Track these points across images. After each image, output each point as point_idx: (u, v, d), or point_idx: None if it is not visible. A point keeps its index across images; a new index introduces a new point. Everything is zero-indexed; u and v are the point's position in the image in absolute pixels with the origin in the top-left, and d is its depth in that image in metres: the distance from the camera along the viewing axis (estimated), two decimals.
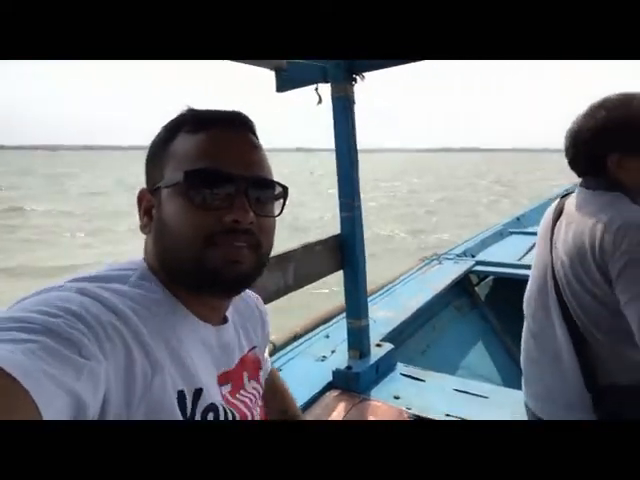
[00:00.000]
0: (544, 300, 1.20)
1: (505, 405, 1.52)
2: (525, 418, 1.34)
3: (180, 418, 0.53)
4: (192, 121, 0.61)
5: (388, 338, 1.98)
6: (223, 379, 0.64)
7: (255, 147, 0.62)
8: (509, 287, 2.88)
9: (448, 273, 2.79)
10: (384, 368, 1.80)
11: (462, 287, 2.82)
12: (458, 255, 3.13)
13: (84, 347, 0.43)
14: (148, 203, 0.62)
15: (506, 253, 3.26)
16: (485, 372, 2.43)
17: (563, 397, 1.15)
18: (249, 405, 0.69)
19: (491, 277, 3.07)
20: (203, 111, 0.63)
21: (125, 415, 0.47)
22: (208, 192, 0.56)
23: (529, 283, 1.29)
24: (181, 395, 0.54)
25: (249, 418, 0.68)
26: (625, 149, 1.04)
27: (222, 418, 0.59)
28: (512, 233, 3.86)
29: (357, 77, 1.52)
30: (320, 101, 1.59)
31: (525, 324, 1.31)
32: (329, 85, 1.57)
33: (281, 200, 0.64)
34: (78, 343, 0.43)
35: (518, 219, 4.24)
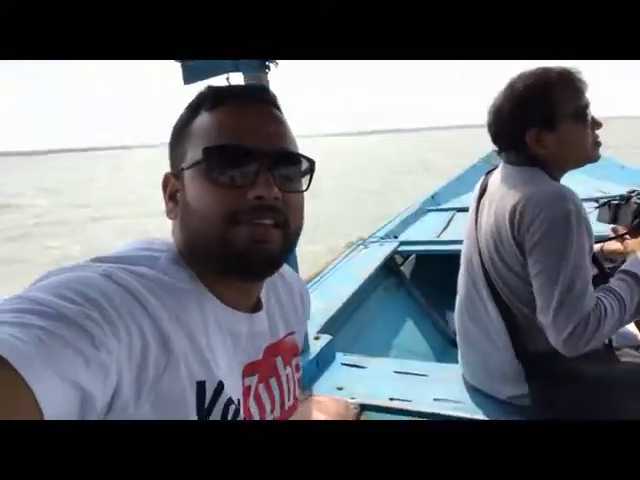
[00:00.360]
0: (473, 276, 1.24)
1: (445, 381, 1.56)
2: (464, 391, 1.39)
3: (193, 410, 0.51)
4: (211, 98, 0.59)
5: (325, 329, 1.97)
6: (249, 370, 0.62)
7: (278, 120, 0.60)
8: (431, 264, 3.00)
9: (374, 256, 2.84)
10: (324, 360, 1.78)
11: (388, 269, 2.89)
12: (382, 237, 3.20)
13: (96, 336, 0.42)
14: (173, 187, 0.60)
15: (426, 231, 3.39)
16: (418, 349, 2.51)
17: (497, 368, 1.20)
18: (280, 393, 0.68)
19: (414, 255, 3.16)
20: (222, 87, 0.61)
21: (133, 405, 0.46)
22: (229, 169, 0.54)
23: (461, 259, 1.33)
24: (201, 387, 0.52)
25: (274, 409, 0.67)
26: (542, 124, 1.08)
27: (239, 413, 0.57)
28: (429, 211, 4.02)
29: (270, 65, 1.45)
30: None
31: (458, 298, 1.35)
32: (241, 74, 1.49)
33: (308, 175, 0.62)
34: (91, 332, 0.42)
35: (433, 197, 4.42)
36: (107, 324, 0.44)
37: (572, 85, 1.06)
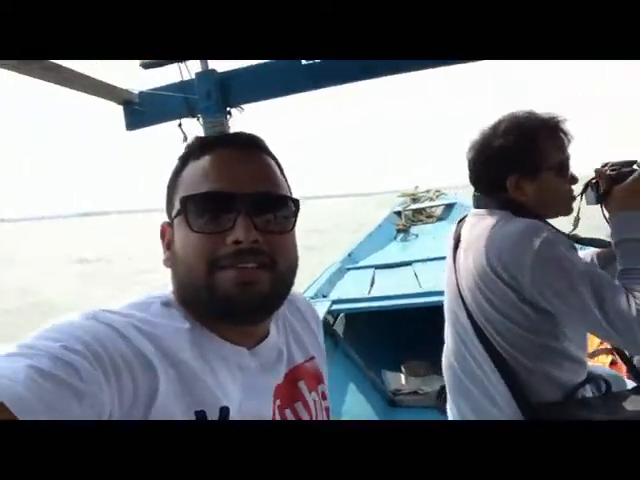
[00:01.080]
0: (459, 329, 1.19)
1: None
2: None
3: None
4: (198, 147, 0.61)
5: None
6: (274, 394, 0.62)
7: (262, 163, 0.61)
8: (363, 321, 2.96)
9: None
10: None
11: (324, 330, 2.79)
12: (312, 297, 3.11)
13: (88, 374, 0.43)
14: (168, 236, 0.62)
15: (354, 288, 3.38)
16: (358, 410, 2.41)
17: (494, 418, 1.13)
18: (310, 418, 0.66)
19: (343, 314, 3.12)
20: (209, 136, 0.66)
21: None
22: (207, 216, 0.55)
23: (445, 312, 1.28)
24: (201, 415, 0.52)
25: None
26: (524, 172, 1.09)
27: None
28: (349, 269, 4.05)
29: (233, 110, 1.36)
30: (185, 139, 1.38)
31: (445, 351, 1.29)
32: (198, 121, 1.38)
33: (293, 216, 0.61)
34: (82, 370, 0.43)
35: (350, 255, 4.49)
36: (97, 362, 0.45)
37: (558, 137, 1.10)
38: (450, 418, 1.29)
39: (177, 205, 0.58)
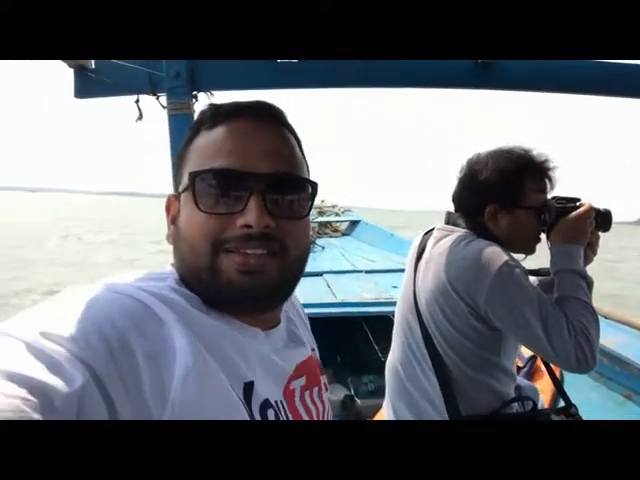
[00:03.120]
0: (409, 333, 1.26)
1: None
2: None
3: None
4: (210, 116, 0.56)
5: None
6: (296, 373, 0.60)
7: (281, 139, 0.56)
8: None
9: None
10: None
11: None
12: None
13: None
14: (174, 210, 0.57)
15: None
16: None
17: None
18: (323, 408, 0.65)
19: None
20: (224, 104, 0.57)
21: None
22: (217, 195, 0.51)
23: (396, 316, 1.34)
24: (225, 393, 0.47)
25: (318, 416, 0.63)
26: (503, 204, 1.18)
27: (281, 416, 0.54)
28: None
29: (200, 94, 1.32)
30: (141, 116, 1.30)
31: (390, 357, 1.35)
32: (157, 100, 1.31)
33: (309, 199, 0.57)
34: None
35: None
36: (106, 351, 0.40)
37: (541, 180, 1.19)
38: (386, 419, 1.36)
39: (185, 179, 0.54)
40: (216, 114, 0.55)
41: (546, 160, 1.19)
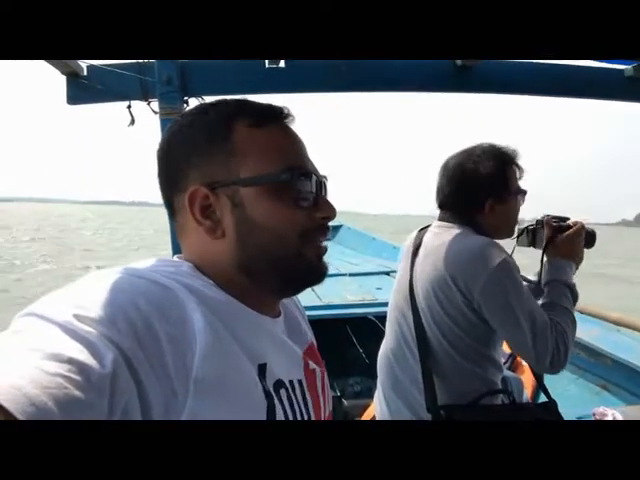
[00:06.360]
0: (404, 324, 1.31)
1: None
2: None
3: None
4: (252, 114, 0.57)
5: None
6: (306, 355, 0.65)
7: None
8: None
9: None
10: None
11: None
12: None
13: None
14: (205, 201, 0.56)
15: None
16: None
17: (424, 414, 1.25)
18: (323, 397, 0.68)
19: None
20: (257, 103, 0.59)
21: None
22: (305, 191, 0.57)
23: (389, 307, 1.39)
24: (239, 375, 0.51)
25: (325, 409, 0.68)
26: (497, 196, 1.26)
27: (294, 394, 0.58)
28: None
29: (191, 99, 1.35)
30: (133, 121, 1.33)
31: (383, 347, 1.40)
32: (148, 106, 1.34)
33: None
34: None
35: None
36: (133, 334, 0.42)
37: (520, 168, 1.30)
38: (378, 409, 1.40)
39: (246, 170, 0.54)
40: (260, 114, 0.57)
41: (516, 150, 1.31)
